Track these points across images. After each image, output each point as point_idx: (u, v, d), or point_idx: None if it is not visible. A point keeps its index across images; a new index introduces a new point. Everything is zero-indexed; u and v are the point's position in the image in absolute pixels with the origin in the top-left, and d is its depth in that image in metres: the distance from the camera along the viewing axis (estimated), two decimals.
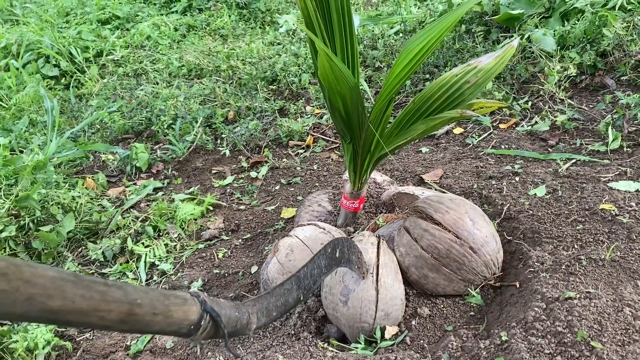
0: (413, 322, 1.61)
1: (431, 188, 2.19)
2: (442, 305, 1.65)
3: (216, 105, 3.56)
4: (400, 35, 3.99)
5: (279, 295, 1.18)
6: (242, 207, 2.54)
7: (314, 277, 1.30)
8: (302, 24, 1.48)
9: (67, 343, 1.77)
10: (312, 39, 1.29)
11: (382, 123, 1.65)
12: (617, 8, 2.95)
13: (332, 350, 1.56)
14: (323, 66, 1.36)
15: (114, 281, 0.72)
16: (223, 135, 3.17)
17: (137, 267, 2.17)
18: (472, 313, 1.62)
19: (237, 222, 2.41)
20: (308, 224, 1.89)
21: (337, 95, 1.51)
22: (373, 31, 4.16)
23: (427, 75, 3.27)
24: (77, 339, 1.82)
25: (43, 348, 1.70)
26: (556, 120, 2.49)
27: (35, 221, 2.33)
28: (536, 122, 2.58)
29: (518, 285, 1.62)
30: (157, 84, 4.16)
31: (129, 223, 2.40)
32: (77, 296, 0.63)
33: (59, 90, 4.55)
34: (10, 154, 3.08)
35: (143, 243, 2.28)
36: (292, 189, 2.58)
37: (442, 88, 1.59)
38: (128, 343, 1.77)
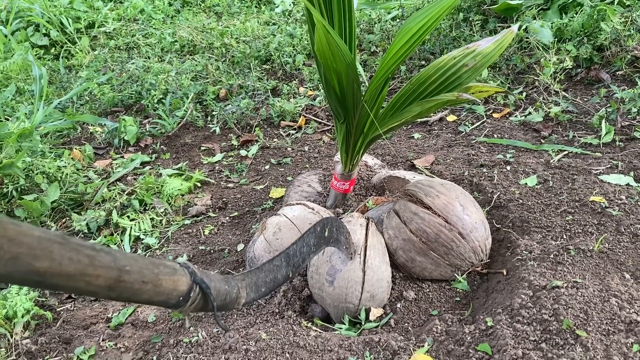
0: (398, 305, 1.60)
1: (422, 173, 2.18)
2: (428, 290, 1.64)
3: (208, 82, 3.51)
4: (397, 20, 3.95)
5: (268, 272, 1.16)
6: (231, 185, 2.52)
7: (302, 255, 1.28)
8: None
9: (47, 313, 1.74)
10: (311, 11, 1.26)
11: (376, 104, 1.63)
12: (615, 3, 2.94)
13: (315, 330, 1.55)
14: (320, 40, 1.33)
15: (102, 246, 0.69)
16: (214, 113, 3.13)
17: (122, 240, 2.14)
18: (457, 298, 1.61)
19: (224, 199, 2.39)
20: (297, 204, 1.87)
21: (332, 72, 1.48)
22: (370, 15, 4.12)
23: (423, 62, 3.24)
24: (58, 309, 1.80)
25: (22, 317, 1.67)
26: (550, 112, 2.48)
27: (19, 189, 2.28)
28: (530, 113, 2.57)
29: (505, 273, 1.61)
30: (149, 58, 4.10)
31: (115, 196, 2.37)
32: (64, 258, 0.61)
33: (48, 60, 4.47)
34: None
35: (128, 216, 2.25)
36: (282, 169, 2.56)
37: (440, 70, 1.57)
38: (109, 315, 1.75)
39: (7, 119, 3.15)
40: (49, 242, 0.60)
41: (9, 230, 0.56)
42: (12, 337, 1.61)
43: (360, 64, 3.45)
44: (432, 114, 2.76)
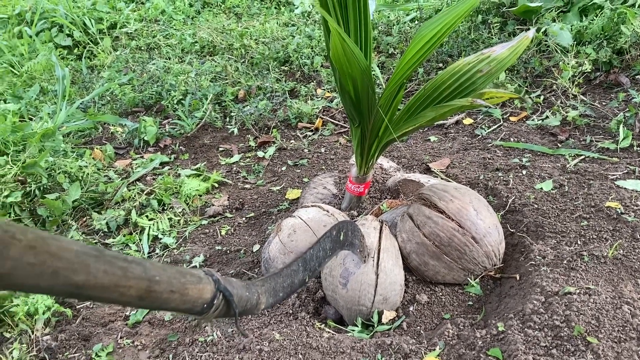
0: (411, 308, 1.62)
1: (437, 177, 2.18)
2: (440, 293, 1.65)
3: (227, 83, 3.55)
4: (416, 22, 3.95)
5: (286, 276, 1.18)
6: (248, 186, 2.55)
7: (319, 259, 1.30)
8: (317, 4, 1.46)
9: (67, 310, 1.78)
10: (326, 19, 1.28)
11: (391, 108, 1.64)
12: (637, 6, 2.91)
13: (328, 332, 1.57)
14: (335, 47, 1.35)
15: (133, 257, 0.72)
16: (232, 114, 3.17)
17: (140, 240, 2.18)
18: (470, 302, 1.62)
19: (241, 200, 2.42)
20: (312, 206, 1.89)
21: (347, 78, 1.50)
22: (389, 17, 4.12)
23: (441, 64, 3.24)
24: (77, 307, 1.84)
25: (43, 313, 1.72)
26: (567, 116, 2.47)
27: (42, 188, 2.34)
28: (547, 117, 2.56)
29: (518, 278, 1.62)
30: (169, 59, 4.15)
31: (134, 195, 2.41)
32: (100, 271, 0.63)
33: (71, 60, 4.55)
34: (20, 120, 3.08)
35: (147, 216, 2.29)
36: (299, 171, 2.58)
37: (454, 76, 1.58)
38: (127, 313, 1.79)
39: (31, 119, 3.23)
40: (86, 256, 0.62)
41: (51, 246, 0.58)
42: (33, 334, 1.65)
43: (378, 66, 3.46)
44: (448, 118, 2.76)
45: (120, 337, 1.64)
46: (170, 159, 2.87)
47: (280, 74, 3.64)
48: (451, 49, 3.31)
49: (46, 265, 0.57)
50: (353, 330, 1.56)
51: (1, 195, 2.15)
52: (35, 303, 1.73)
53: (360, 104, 1.60)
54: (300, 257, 1.23)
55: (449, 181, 2.13)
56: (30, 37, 4.63)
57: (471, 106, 1.53)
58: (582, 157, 2.19)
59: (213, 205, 2.39)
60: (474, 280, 1.65)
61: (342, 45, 1.33)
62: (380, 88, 3.10)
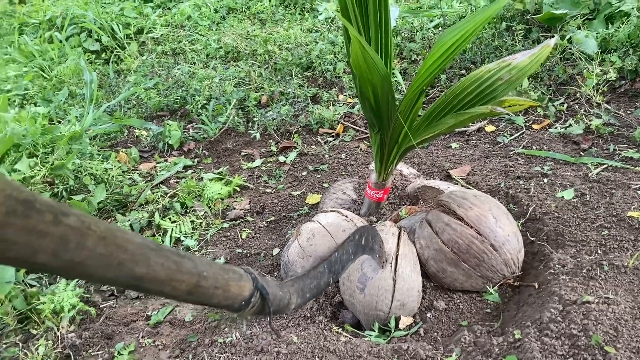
0: (428, 315, 1.62)
1: (457, 184, 2.18)
2: (458, 300, 1.66)
3: (250, 88, 3.59)
4: (440, 29, 3.95)
5: (313, 278, 1.20)
6: (269, 190, 2.58)
7: (342, 262, 1.32)
8: (338, 13, 1.49)
9: (91, 309, 1.83)
10: (346, 27, 1.30)
11: (411, 115, 1.65)
12: None
13: (345, 336, 1.58)
14: (355, 54, 1.37)
15: (184, 252, 0.74)
16: (255, 119, 3.20)
17: (163, 242, 2.22)
18: (488, 310, 1.62)
19: (262, 204, 2.45)
20: (331, 211, 1.91)
21: (367, 84, 1.52)
22: (412, 24, 4.13)
23: (463, 71, 3.24)
24: (101, 306, 1.89)
25: (68, 311, 1.76)
26: (591, 124, 2.45)
27: (69, 190, 2.40)
28: (570, 125, 2.54)
29: (537, 286, 1.61)
30: (194, 64, 4.22)
31: (158, 198, 2.46)
32: (158, 264, 0.65)
33: (99, 64, 4.64)
34: (49, 123, 3.16)
35: (170, 218, 2.33)
36: (319, 176, 2.61)
37: (475, 83, 1.58)
38: (149, 313, 1.83)
39: (60, 122, 3.31)
40: (147, 249, 0.64)
41: (118, 238, 0.60)
42: (58, 331, 1.70)
43: (400, 72, 3.47)
44: (470, 125, 2.76)
45: (142, 337, 1.67)
46: (193, 162, 2.92)
47: (303, 80, 3.67)
48: (474, 55, 3.30)
49: (113, 257, 0.59)
50: (370, 335, 1.58)
51: None
52: (61, 301, 1.78)
53: (380, 110, 1.61)
54: (325, 259, 1.25)
55: (469, 188, 2.13)
56: (60, 41, 4.75)
57: (491, 114, 1.54)
58: (605, 166, 2.17)
59: (234, 208, 2.43)
60: (493, 287, 1.65)
61: (362, 52, 1.35)
62: (402, 94, 3.11)
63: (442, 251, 1.64)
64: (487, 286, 1.65)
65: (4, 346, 1.67)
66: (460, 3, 4.44)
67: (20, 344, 1.67)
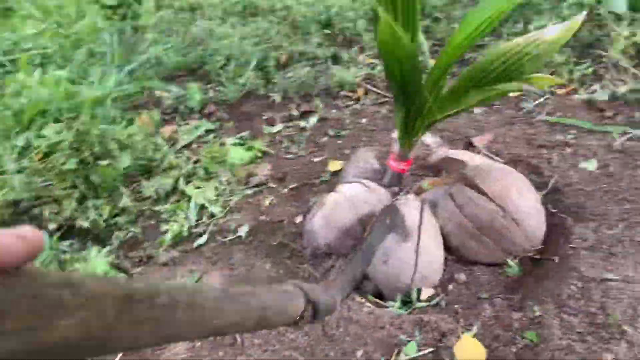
0: (449, 287, 1.67)
1: (479, 152, 2.19)
2: (479, 273, 1.69)
3: (269, 46, 3.56)
4: None
5: (350, 272, 1.25)
6: (290, 156, 2.60)
7: (372, 248, 1.36)
8: None
9: (121, 274, 1.90)
10: (376, 8, 1.29)
11: (436, 90, 1.65)
12: None
13: (368, 306, 1.64)
14: (383, 33, 1.36)
15: (247, 288, 0.78)
16: (274, 80, 3.19)
17: (188, 208, 2.27)
18: (508, 283, 1.66)
19: (284, 170, 2.47)
20: (354, 182, 1.94)
21: (394, 60, 1.51)
22: None
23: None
24: (131, 272, 1.96)
25: None
26: (617, 91, 2.42)
27: (94, 156, 2.44)
28: (595, 91, 2.51)
29: (557, 260, 1.64)
30: (211, 20, 4.17)
31: (181, 163, 2.49)
32: (231, 312, 0.68)
33: (117, 20, 4.61)
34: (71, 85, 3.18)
35: (194, 184, 2.37)
36: (340, 142, 2.62)
37: (501, 58, 1.57)
38: (177, 280, 1.89)
39: (81, 83, 3.32)
40: (220, 302, 0.68)
41: (197, 301, 0.63)
42: None
43: (423, 31, 3.41)
44: None
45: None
46: (214, 126, 2.94)
47: (322, 38, 3.62)
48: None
49: (197, 320, 0.63)
50: (392, 306, 1.63)
51: (59, 162, 2.25)
52: (94, 268, 1.85)
53: (406, 86, 1.61)
54: (359, 251, 1.29)
55: (491, 157, 2.14)
56: None
57: (519, 90, 1.53)
58: (630, 134, 2.16)
59: (257, 175, 2.46)
60: (513, 261, 1.68)
61: (390, 31, 1.34)
62: (424, 55, 3.07)
63: (464, 225, 1.67)
64: (508, 259, 1.68)
65: None
66: None
67: None
